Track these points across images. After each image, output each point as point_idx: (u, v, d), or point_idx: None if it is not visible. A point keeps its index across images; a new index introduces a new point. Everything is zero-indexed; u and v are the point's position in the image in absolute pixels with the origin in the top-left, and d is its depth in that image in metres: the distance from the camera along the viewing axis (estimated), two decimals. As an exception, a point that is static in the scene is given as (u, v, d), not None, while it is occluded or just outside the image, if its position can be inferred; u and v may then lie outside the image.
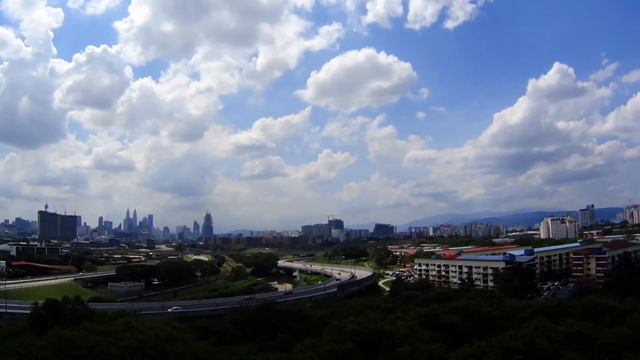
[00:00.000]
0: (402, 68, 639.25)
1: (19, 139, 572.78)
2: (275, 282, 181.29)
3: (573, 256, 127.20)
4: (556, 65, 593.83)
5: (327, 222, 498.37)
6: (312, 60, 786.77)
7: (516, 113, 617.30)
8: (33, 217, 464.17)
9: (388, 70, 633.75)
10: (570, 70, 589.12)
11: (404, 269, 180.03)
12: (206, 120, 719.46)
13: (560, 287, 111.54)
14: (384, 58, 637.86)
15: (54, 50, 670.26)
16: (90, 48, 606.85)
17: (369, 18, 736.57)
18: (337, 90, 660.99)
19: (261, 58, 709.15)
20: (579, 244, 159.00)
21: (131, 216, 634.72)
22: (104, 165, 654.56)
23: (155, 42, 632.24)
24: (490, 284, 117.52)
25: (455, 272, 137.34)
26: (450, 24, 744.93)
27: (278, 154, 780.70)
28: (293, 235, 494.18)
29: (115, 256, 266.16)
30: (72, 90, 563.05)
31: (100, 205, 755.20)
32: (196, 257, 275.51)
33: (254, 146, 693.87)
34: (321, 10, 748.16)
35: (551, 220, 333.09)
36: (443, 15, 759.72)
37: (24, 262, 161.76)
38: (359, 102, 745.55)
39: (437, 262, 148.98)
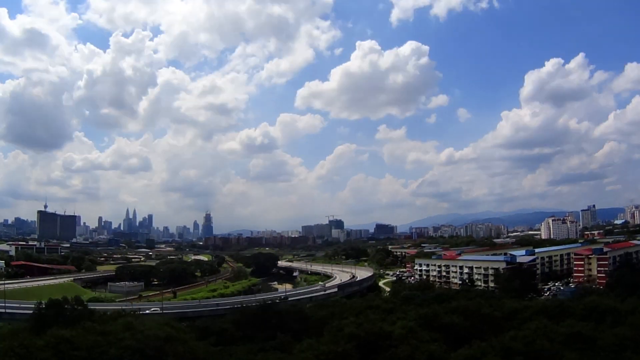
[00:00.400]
0: (421, 68, 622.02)
1: (34, 140, 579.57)
2: (275, 282, 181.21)
3: (574, 257, 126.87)
4: (565, 65, 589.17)
5: (327, 222, 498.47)
6: (333, 61, 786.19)
7: (521, 114, 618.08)
8: (32, 217, 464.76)
9: (407, 71, 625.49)
10: (578, 71, 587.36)
11: (404, 270, 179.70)
12: (224, 119, 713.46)
13: (561, 288, 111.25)
14: (403, 58, 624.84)
15: (77, 49, 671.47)
16: (116, 45, 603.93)
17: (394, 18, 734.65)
18: (355, 90, 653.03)
19: (288, 58, 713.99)
20: (580, 245, 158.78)
21: (131, 216, 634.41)
22: (117, 166, 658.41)
23: (184, 43, 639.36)
24: (491, 284, 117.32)
25: (455, 272, 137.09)
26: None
27: (292, 153, 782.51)
28: (293, 236, 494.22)
29: (115, 256, 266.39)
30: (92, 89, 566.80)
31: (107, 206, 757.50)
32: (196, 257, 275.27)
33: (268, 145, 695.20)
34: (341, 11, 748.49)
35: (552, 220, 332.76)
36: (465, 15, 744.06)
37: (23, 262, 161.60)
38: (376, 103, 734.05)
39: (438, 263, 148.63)
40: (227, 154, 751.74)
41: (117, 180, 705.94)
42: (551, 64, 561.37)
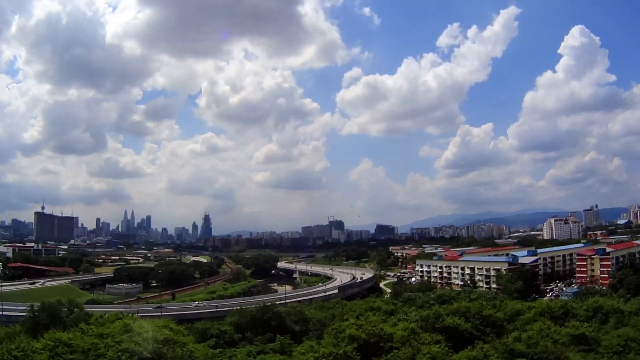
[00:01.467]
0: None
1: (69, 148, 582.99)
2: (275, 284, 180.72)
3: (577, 257, 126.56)
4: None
5: (327, 223, 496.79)
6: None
7: (529, 117, 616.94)
8: (30, 219, 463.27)
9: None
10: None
11: (405, 271, 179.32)
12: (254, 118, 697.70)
13: (564, 289, 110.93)
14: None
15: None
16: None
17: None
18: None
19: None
20: (582, 245, 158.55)
21: (129, 217, 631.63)
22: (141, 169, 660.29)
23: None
24: (493, 285, 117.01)
25: (457, 273, 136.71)
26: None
27: (327, 158, 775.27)
28: (293, 237, 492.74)
29: (113, 258, 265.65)
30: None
31: (105, 207, 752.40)
32: (195, 258, 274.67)
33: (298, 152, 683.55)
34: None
35: (554, 220, 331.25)
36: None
37: (20, 264, 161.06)
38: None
39: (439, 264, 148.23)
40: (253, 157, 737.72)
41: (142, 183, 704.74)
42: (561, 68, 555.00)
